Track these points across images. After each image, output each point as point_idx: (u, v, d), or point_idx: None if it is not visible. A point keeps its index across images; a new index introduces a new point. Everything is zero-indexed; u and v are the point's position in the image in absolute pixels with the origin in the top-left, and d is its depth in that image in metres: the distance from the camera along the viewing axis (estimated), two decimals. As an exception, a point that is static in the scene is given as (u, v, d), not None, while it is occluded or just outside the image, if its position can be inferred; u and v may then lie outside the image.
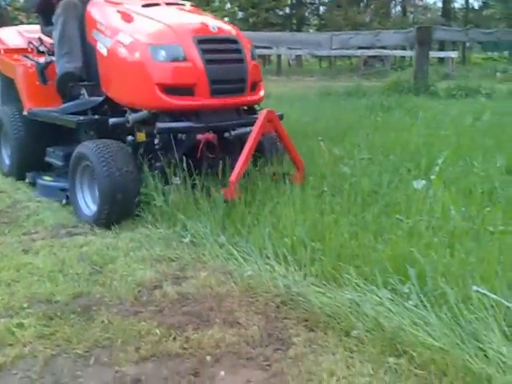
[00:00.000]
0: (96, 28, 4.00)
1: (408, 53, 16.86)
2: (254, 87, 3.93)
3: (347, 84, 11.89)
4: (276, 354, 2.02)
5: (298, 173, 3.66)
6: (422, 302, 2.08)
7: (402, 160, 4.12)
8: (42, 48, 4.58)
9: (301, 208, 3.03)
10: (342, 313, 2.17)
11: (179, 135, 3.52)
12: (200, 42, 3.61)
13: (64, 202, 3.93)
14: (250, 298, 2.47)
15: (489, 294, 1.93)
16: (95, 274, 2.77)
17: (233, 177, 3.30)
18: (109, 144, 3.53)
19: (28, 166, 4.55)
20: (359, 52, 18.20)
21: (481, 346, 1.81)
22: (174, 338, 2.14)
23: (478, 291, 1.95)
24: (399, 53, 19.46)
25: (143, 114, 3.59)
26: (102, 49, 3.88)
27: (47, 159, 4.32)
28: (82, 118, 3.84)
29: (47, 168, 4.48)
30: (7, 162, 4.92)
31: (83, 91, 4.08)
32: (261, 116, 3.47)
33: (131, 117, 3.62)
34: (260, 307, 2.38)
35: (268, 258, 2.71)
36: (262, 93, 4.02)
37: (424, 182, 3.45)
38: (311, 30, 21.04)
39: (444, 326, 1.94)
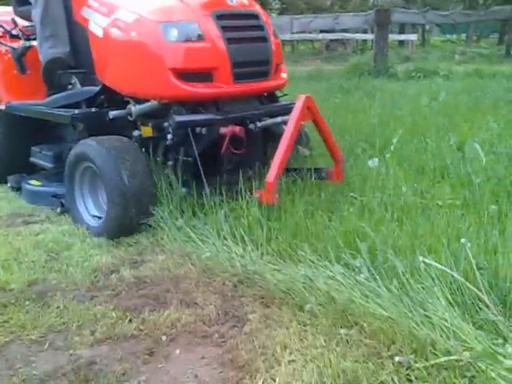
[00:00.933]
0: (87, 5, 3.43)
1: (369, 36, 16.99)
2: (277, 70, 3.42)
3: (309, 68, 11.94)
4: (231, 331, 2.05)
5: (335, 166, 3.19)
6: (372, 275, 2.14)
7: (358, 140, 4.19)
8: (15, 32, 3.95)
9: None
10: (297, 288, 2.21)
11: (198, 129, 3.01)
12: (219, 17, 3.07)
13: (59, 210, 3.43)
14: (208, 279, 2.49)
15: (435, 264, 2.00)
16: (51, 260, 2.75)
17: (270, 178, 2.78)
18: (115, 141, 3.03)
19: (8, 168, 4.07)
20: (321, 36, 18.24)
21: (427, 313, 1.88)
22: (130, 320, 2.14)
23: (424, 262, 2.01)
24: (361, 36, 19.59)
25: (151, 104, 3.12)
26: (95, 29, 3.33)
27: (33, 160, 3.83)
28: (76, 111, 3.29)
29: (30, 170, 4.01)
30: None
31: (74, 80, 3.56)
32: (299, 103, 2.94)
33: (136, 108, 3.15)
34: (217, 287, 2.40)
35: (225, 239, 2.73)
36: (285, 76, 3.52)
37: (378, 160, 3.51)
38: (273, 15, 20.96)
39: (393, 297, 2.00)
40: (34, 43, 3.79)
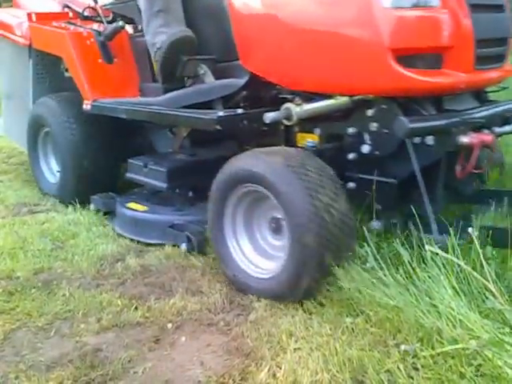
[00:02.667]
0: None
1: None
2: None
3: None
4: (237, 319, 2.05)
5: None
6: (379, 263, 2.13)
7: None
8: (87, 13, 3.41)
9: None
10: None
11: (419, 138, 2.14)
12: None
13: (185, 247, 2.62)
14: (214, 269, 2.49)
15: (441, 252, 1.98)
16: (56, 249, 2.76)
17: None
18: (295, 156, 2.15)
19: (91, 185, 3.30)
20: None
21: (433, 302, 1.87)
22: (136, 308, 2.15)
23: (430, 251, 2.00)
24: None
25: (342, 102, 2.28)
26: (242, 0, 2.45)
27: (132, 177, 3.03)
28: (220, 113, 2.44)
29: (119, 187, 3.39)
30: (53, 179, 3.63)
31: (203, 70, 2.71)
32: None
33: (302, 109, 2.26)
34: (223, 276, 2.40)
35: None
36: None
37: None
38: None
39: (399, 286, 1.99)
40: (121, 24, 3.11)
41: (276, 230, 2.24)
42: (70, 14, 3.59)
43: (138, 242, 2.84)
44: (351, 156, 2.32)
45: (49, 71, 3.72)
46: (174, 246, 2.71)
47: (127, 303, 2.18)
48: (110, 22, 3.25)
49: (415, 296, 1.92)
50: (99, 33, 3.15)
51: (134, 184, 3.15)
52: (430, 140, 2.12)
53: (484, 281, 1.88)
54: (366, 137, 2.26)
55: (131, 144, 3.41)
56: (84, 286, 2.36)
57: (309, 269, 1.99)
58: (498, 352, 1.62)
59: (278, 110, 2.29)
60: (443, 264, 1.96)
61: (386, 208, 2.23)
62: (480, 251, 1.94)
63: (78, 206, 3.30)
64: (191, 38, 2.75)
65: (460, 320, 1.76)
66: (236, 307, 2.16)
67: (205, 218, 2.46)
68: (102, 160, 3.28)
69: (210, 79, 2.69)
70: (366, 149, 2.26)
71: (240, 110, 2.48)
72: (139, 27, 3.14)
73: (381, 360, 1.72)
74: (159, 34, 2.76)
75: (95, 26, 3.37)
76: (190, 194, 2.93)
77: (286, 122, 2.29)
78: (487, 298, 1.87)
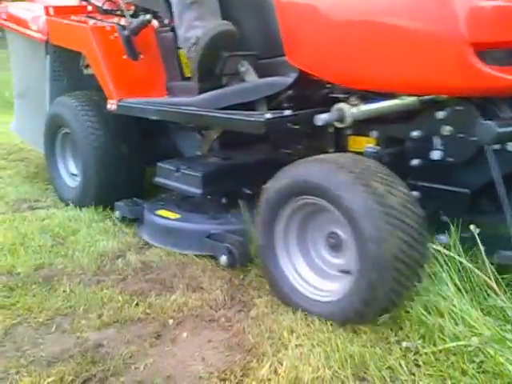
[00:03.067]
0: None
1: None
2: None
3: None
4: (238, 315, 2.05)
5: None
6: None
7: None
8: (107, 6, 3.29)
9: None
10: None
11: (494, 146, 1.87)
12: None
13: (225, 260, 2.39)
14: (214, 265, 2.48)
15: (443, 250, 1.98)
16: (57, 245, 2.75)
17: None
18: (361, 164, 1.89)
19: (113, 191, 3.12)
20: None
21: (435, 299, 1.86)
22: (137, 304, 2.14)
23: (432, 248, 2.00)
24: None
25: (409, 103, 2.06)
26: None
27: (162, 182, 2.79)
28: (268, 115, 2.22)
29: (144, 192, 3.23)
30: (72, 183, 3.41)
31: (245, 67, 2.49)
32: None
33: (360, 110, 2.04)
34: (224, 273, 2.40)
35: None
36: None
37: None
38: None
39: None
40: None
41: (335, 246, 2.01)
42: (89, 8, 3.41)
43: (140, 238, 2.84)
44: (415, 162, 2.10)
45: (67, 68, 3.54)
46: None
47: (128, 299, 2.18)
48: (132, 16, 3.04)
49: (417, 292, 1.92)
50: (123, 27, 2.94)
51: (157, 188, 2.99)
52: (511, 146, 1.88)
53: (486, 278, 1.88)
54: (437, 141, 2.03)
55: (155, 146, 3.25)
56: (85, 282, 2.36)
57: (384, 288, 1.76)
58: (499, 349, 1.62)
59: (329, 110, 2.06)
60: (445, 261, 1.96)
61: (454, 220, 1.98)
62: (482, 248, 1.94)
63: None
64: (233, 31, 2.49)
65: (462, 317, 1.76)
66: (237, 303, 2.15)
67: (244, 227, 2.38)
68: (127, 163, 3.11)
69: (251, 77, 2.46)
70: (436, 155, 2.04)
71: (288, 112, 2.24)
72: (165, 21, 2.97)
73: (382, 356, 1.71)
74: (193, 28, 2.55)
75: (115, 20, 3.18)
76: (224, 200, 2.71)
77: (337, 125, 2.07)
78: (489, 295, 1.87)
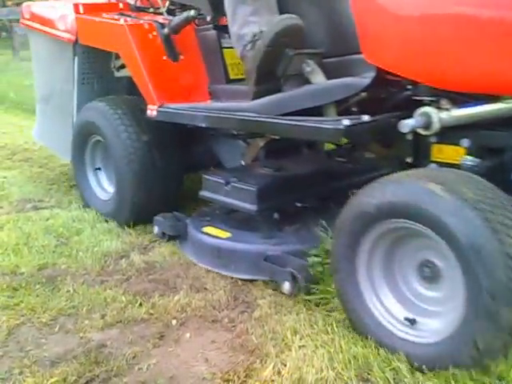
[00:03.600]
0: None
1: None
2: None
3: None
4: (241, 316, 2.05)
5: None
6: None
7: None
8: (140, 3, 3.18)
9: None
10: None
11: None
12: None
13: (288, 287, 2.12)
14: (218, 265, 2.48)
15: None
16: (61, 245, 2.75)
17: None
18: (464, 182, 1.61)
19: (151, 204, 2.90)
20: None
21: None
22: (140, 305, 2.14)
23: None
24: None
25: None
26: None
27: (208, 196, 2.52)
28: (346, 121, 1.90)
29: (182, 205, 3.01)
30: (104, 195, 3.18)
31: (311, 67, 2.16)
32: None
33: (461, 114, 1.82)
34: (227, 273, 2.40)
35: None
36: None
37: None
38: None
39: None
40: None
41: (430, 277, 1.71)
42: (120, 5, 3.21)
43: (143, 238, 2.84)
44: None
45: (97, 71, 3.32)
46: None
47: (131, 299, 2.18)
48: (167, 13, 2.92)
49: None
50: (162, 25, 2.74)
51: (193, 199, 2.83)
52: None
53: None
54: None
55: (191, 154, 3.04)
56: (88, 282, 2.36)
57: (500, 329, 1.48)
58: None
59: (410, 115, 1.83)
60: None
61: None
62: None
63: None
64: (300, 26, 2.18)
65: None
66: (240, 304, 2.15)
67: (304, 246, 2.20)
68: (165, 173, 2.88)
69: (318, 78, 2.15)
70: None
71: (366, 117, 1.93)
72: (208, 18, 2.74)
73: (386, 358, 1.70)
74: (249, 24, 2.29)
75: (147, 18, 2.99)
76: (276, 215, 2.45)
77: (423, 132, 1.82)
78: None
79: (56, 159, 4.74)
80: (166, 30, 2.72)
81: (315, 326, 1.92)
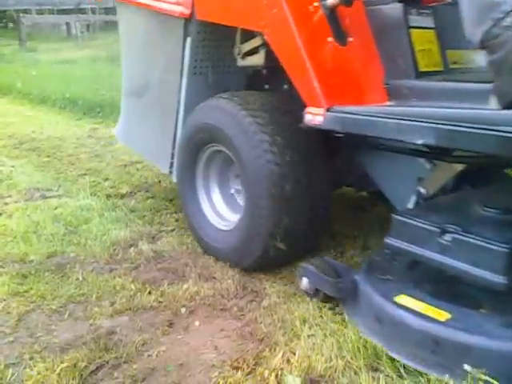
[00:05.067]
0: None
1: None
2: None
3: None
4: (250, 305, 2.05)
5: None
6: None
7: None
8: None
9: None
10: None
11: None
12: None
13: None
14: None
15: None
16: (69, 234, 2.76)
17: None
18: None
19: (295, 241, 2.19)
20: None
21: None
22: (149, 293, 2.15)
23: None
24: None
25: None
26: None
27: (403, 247, 1.70)
28: None
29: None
30: (222, 225, 2.44)
31: None
32: None
33: None
34: (235, 263, 2.40)
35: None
36: None
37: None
38: None
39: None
40: None
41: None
42: None
43: (151, 227, 2.85)
44: None
45: (214, 57, 2.59)
46: (188, 233, 2.70)
47: (140, 287, 2.18)
48: None
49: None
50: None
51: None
52: None
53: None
54: None
55: (337, 169, 2.32)
56: (97, 270, 2.37)
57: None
58: None
59: None
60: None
61: None
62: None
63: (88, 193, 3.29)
64: None
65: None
66: (249, 293, 2.15)
67: None
68: (313, 194, 2.15)
69: None
70: None
71: None
72: None
73: (396, 347, 1.70)
74: None
75: None
76: None
77: None
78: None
79: (64, 148, 4.76)
80: (331, 2, 1.96)
81: (324, 315, 1.92)
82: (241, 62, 2.54)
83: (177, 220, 2.95)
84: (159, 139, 2.80)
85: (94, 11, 21.26)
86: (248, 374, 1.63)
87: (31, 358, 1.73)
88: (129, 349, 1.77)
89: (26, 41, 15.74)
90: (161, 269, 2.37)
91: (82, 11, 20.23)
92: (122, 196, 3.38)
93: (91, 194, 3.33)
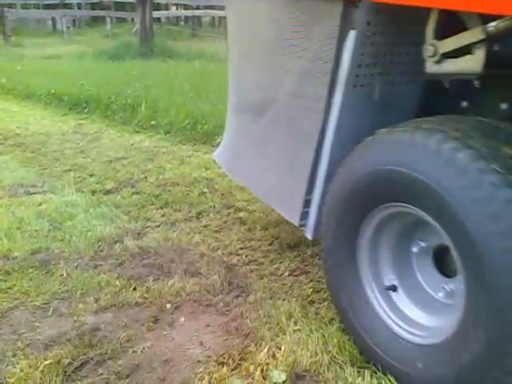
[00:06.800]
0: None
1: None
2: None
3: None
4: (236, 301, 2.04)
5: None
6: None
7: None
8: None
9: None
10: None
11: None
12: None
13: None
14: (212, 251, 2.47)
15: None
16: (54, 230, 2.73)
17: None
18: None
19: None
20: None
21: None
22: (134, 289, 2.13)
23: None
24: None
25: None
26: None
27: None
28: None
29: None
30: (414, 337, 1.52)
31: None
32: None
33: None
34: (221, 258, 2.39)
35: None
36: None
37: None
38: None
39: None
40: None
41: None
42: None
43: (136, 224, 2.83)
44: None
45: (385, 62, 1.81)
46: (174, 229, 2.68)
47: (125, 284, 2.17)
48: None
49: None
50: None
51: None
52: None
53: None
54: None
55: None
56: (82, 266, 2.34)
57: None
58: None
59: None
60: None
61: None
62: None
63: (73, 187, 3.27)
64: None
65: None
66: (235, 289, 2.14)
67: None
68: None
69: None
70: None
71: None
72: None
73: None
74: None
75: None
76: None
77: None
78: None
79: (49, 144, 4.71)
80: None
81: (309, 311, 1.92)
82: (433, 68, 1.70)
83: (162, 215, 2.94)
84: (285, 178, 2.04)
85: (79, 6, 21.08)
86: (233, 370, 1.63)
87: (14, 355, 1.72)
88: (113, 345, 1.76)
89: (11, 36, 15.55)
90: (146, 265, 2.36)
91: (67, 6, 20.05)
92: (107, 192, 3.36)
93: (76, 190, 3.29)
